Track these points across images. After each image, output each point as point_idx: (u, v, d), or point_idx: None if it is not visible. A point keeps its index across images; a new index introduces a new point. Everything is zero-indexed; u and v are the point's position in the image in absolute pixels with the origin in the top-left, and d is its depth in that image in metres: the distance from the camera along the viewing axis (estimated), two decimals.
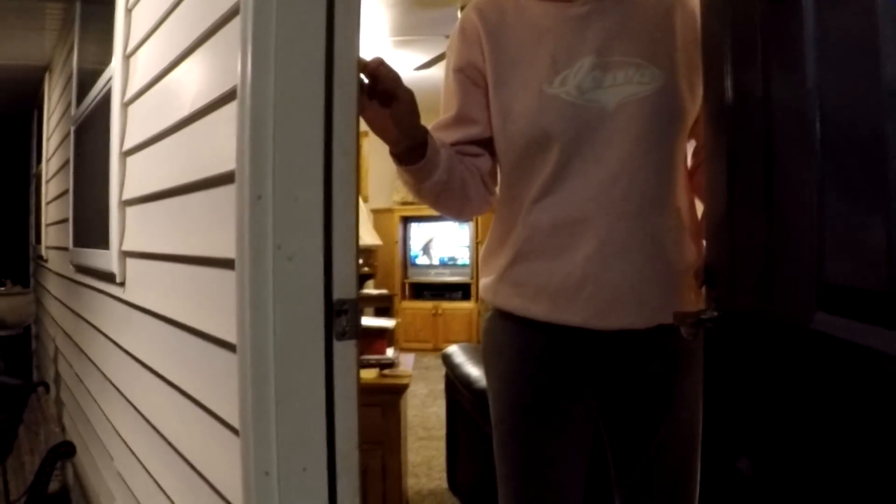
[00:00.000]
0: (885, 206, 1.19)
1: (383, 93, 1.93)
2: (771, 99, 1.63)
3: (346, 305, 1.67)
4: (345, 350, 1.69)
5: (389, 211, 11.65)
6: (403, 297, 11.69)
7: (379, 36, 7.75)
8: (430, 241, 11.87)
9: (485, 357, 2.38)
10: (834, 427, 1.38)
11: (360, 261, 8.53)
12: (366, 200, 11.29)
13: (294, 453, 1.68)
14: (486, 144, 2.24)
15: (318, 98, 1.66)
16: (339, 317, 1.67)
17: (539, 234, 2.13)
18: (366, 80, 1.89)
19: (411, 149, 2.07)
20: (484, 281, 2.32)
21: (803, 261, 1.46)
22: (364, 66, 1.87)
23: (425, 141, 2.08)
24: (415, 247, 11.95)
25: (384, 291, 9.66)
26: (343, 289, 1.68)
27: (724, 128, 1.87)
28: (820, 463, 1.44)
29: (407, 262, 11.96)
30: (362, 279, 9.01)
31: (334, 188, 1.67)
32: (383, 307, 9.07)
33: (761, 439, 1.72)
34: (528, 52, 2.15)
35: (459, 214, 2.38)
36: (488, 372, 2.34)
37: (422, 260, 11.94)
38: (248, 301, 1.64)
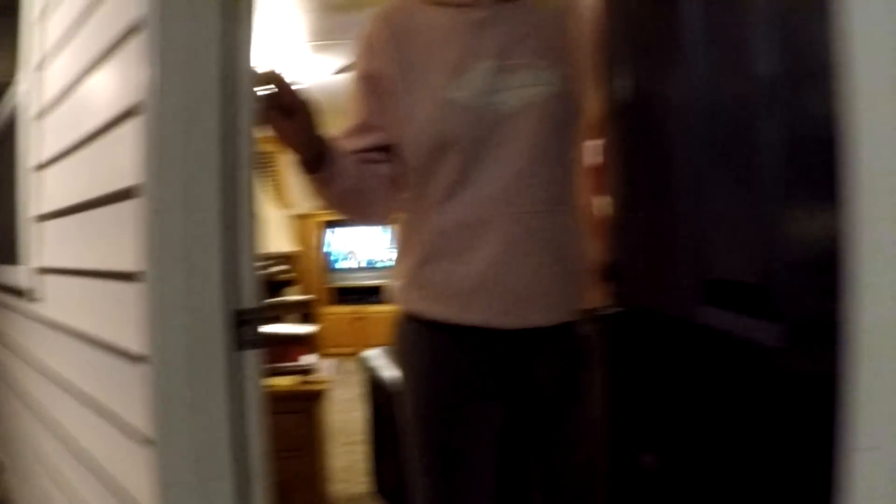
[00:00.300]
0: (758, 203, 1.24)
1: (284, 105, 1.97)
2: (660, 98, 1.69)
3: (250, 315, 1.70)
4: (249, 359, 1.72)
5: (311, 216, 11.59)
6: (326, 303, 11.65)
7: (297, 41, 7.73)
8: (351, 244, 11.85)
9: (397, 360, 2.41)
10: (724, 416, 1.43)
11: (282, 267, 8.51)
12: (287, 206, 11.24)
13: (205, 463, 1.69)
14: (391, 151, 2.27)
15: (216, 111, 1.68)
16: (243, 327, 1.69)
17: (443, 236, 2.16)
18: (268, 92, 1.92)
19: (316, 157, 2.12)
20: (394, 284, 2.36)
21: (690, 256, 1.51)
22: (264, 80, 1.91)
23: (329, 149, 2.12)
24: (336, 251, 11.92)
25: (306, 297, 9.63)
26: (245, 299, 1.70)
27: (622, 127, 1.92)
28: (714, 451, 1.48)
29: (329, 266, 11.92)
30: (283, 285, 8.98)
31: (234, 199, 1.69)
32: (306, 313, 9.04)
33: (662, 432, 1.77)
34: (430, 58, 2.19)
35: (367, 220, 2.43)
36: (403, 374, 2.37)
37: (343, 264, 11.91)
38: (155, 314, 1.66)
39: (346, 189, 2.20)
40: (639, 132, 1.83)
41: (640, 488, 1.87)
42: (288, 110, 2.00)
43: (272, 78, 1.94)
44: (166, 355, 1.65)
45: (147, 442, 1.81)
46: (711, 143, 1.43)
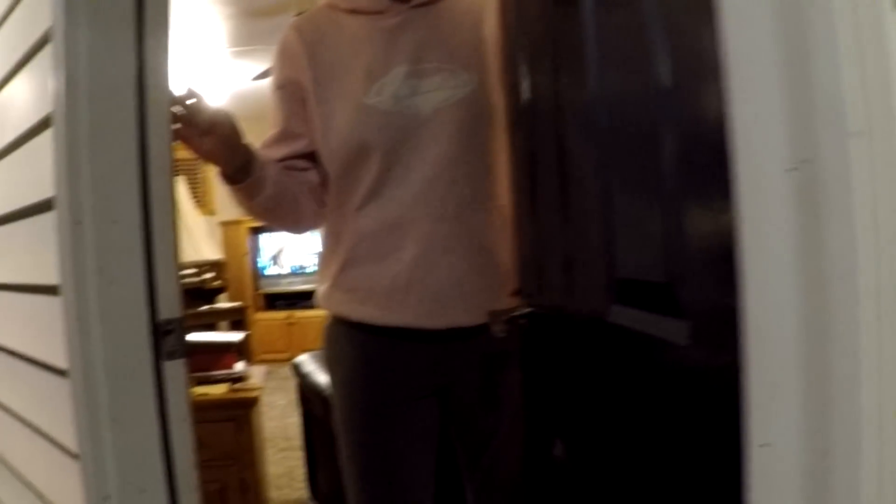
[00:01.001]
0: (660, 202, 1.24)
1: (200, 125, 1.97)
2: (561, 99, 1.69)
3: (172, 325, 1.68)
4: (174, 369, 1.70)
5: (238, 223, 11.46)
6: (257, 309, 11.55)
7: (217, 47, 7.68)
8: (279, 250, 11.74)
9: (327, 364, 2.41)
10: (635, 413, 1.43)
11: (211, 275, 8.44)
12: (213, 214, 11.15)
13: (132, 476, 1.68)
14: (314, 158, 2.28)
15: (130, 120, 1.66)
16: (166, 337, 1.67)
17: (365, 239, 2.18)
18: (181, 112, 1.93)
19: (239, 168, 2.12)
20: (319, 289, 2.36)
21: (598, 256, 1.51)
22: (177, 102, 1.92)
23: (253, 159, 2.11)
24: (265, 257, 11.81)
25: (236, 304, 9.56)
26: (167, 309, 1.68)
27: (522, 128, 1.94)
28: (625, 447, 1.49)
29: (258, 273, 11.81)
30: (214, 293, 8.92)
31: (152, 209, 1.67)
32: (237, 320, 8.99)
33: (574, 428, 1.77)
34: (345, 66, 2.21)
35: (294, 228, 2.45)
36: (331, 378, 2.38)
37: (272, 270, 11.80)
38: (75, 327, 1.63)
39: (270, 198, 2.20)
40: (541, 134, 1.84)
41: (559, 487, 1.88)
42: (205, 129, 2.00)
43: (186, 97, 1.94)
44: (88, 368, 1.63)
45: (75, 456, 1.78)
46: (613, 145, 1.44)
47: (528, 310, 1.92)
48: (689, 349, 1.18)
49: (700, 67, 1.09)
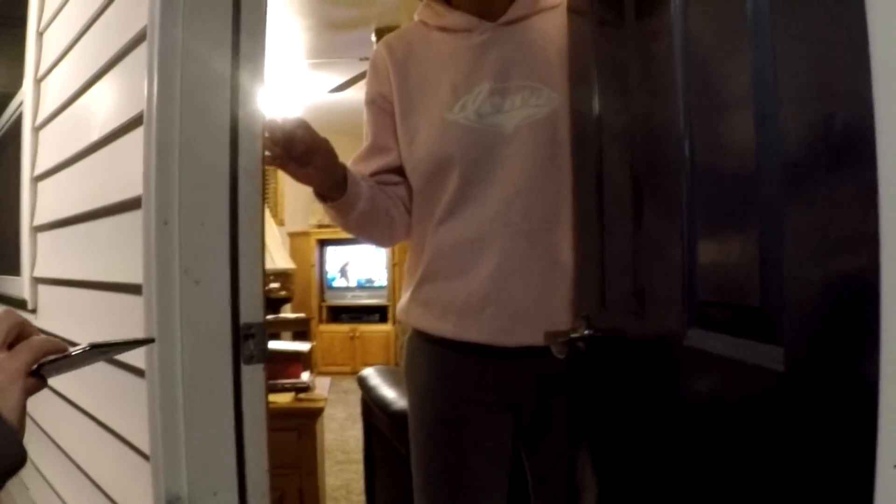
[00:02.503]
0: (756, 223, 1.22)
1: (299, 156, 1.99)
2: (638, 118, 1.67)
3: (253, 329, 1.68)
4: (253, 374, 1.70)
5: (306, 234, 11.51)
6: (321, 321, 11.51)
7: (295, 59, 7.73)
8: (346, 263, 11.74)
9: (405, 375, 2.43)
10: (711, 443, 1.40)
11: (277, 284, 8.47)
12: (282, 224, 11.22)
13: (204, 477, 1.67)
14: (404, 172, 2.30)
15: (223, 122, 1.67)
16: (247, 341, 1.67)
17: (443, 254, 2.19)
18: (278, 145, 1.95)
19: (332, 187, 2.14)
20: (400, 301, 2.38)
21: (676, 279, 1.48)
22: (275, 133, 1.93)
23: (346, 176, 2.14)
24: (331, 270, 11.80)
25: (301, 315, 9.59)
26: (250, 313, 1.68)
27: (591, 146, 1.93)
28: (699, 478, 1.46)
29: (324, 285, 11.82)
30: (279, 303, 8.96)
31: (240, 212, 1.68)
32: (301, 331, 9.02)
33: (627, 450, 1.75)
34: (431, 81, 2.23)
35: (388, 241, 2.46)
36: (408, 389, 2.40)
37: (339, 283, 11.79)
38: (156, 326, 1.64)
39: (363, 213, 2.22)
40: (614, 154, 1.82)
41: None
42: (303, 161, 2.02)
43: (284, 135, 1.96)
44: (166, 369, 1.63)
45: (146, 456, 1.79)
46: (700, 165, 1.41)
47: (586, 332, 1.90)
48: (785, 376, 1.15)
49: (798, 86, 1.07)
